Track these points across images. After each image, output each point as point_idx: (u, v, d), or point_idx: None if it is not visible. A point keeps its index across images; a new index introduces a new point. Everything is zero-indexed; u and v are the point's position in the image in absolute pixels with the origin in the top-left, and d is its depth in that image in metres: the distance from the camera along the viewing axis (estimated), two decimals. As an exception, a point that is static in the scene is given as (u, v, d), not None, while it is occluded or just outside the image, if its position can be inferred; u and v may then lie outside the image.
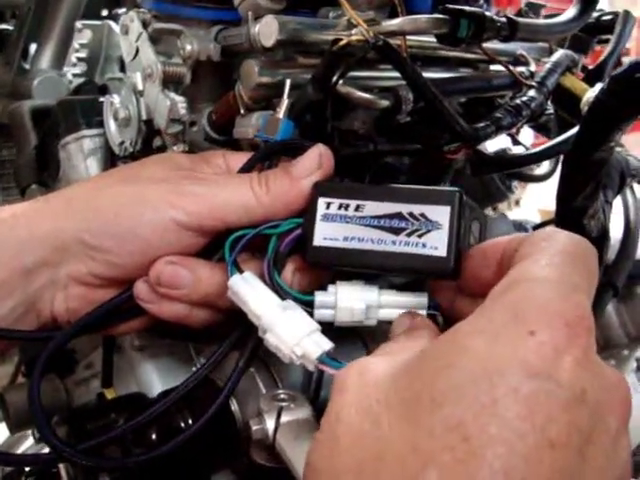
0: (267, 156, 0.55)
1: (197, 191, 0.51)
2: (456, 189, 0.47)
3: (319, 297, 0.48)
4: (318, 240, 0.48)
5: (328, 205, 0.48)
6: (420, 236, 0.46)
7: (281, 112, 0.55)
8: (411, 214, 0.46)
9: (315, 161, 0.52)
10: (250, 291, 0.47)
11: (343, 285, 0.49)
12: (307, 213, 0.49)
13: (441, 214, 0.46)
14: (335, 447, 0.35)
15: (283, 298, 0.48)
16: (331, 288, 0.49)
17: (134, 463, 0.51)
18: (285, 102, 0.55)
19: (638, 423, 0.82)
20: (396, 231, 0.46)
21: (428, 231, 0.46)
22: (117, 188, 0.53)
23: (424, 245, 0.46)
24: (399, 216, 0.46)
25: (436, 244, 0.45)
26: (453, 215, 0.46)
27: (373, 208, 0.47)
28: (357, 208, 0.48)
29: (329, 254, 0.48)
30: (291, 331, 0.45)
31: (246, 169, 0.54)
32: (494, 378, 0.32)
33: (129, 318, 0.56)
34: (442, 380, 0.33)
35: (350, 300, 0.48)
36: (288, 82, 0.55)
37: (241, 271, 0.49)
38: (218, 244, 0.52)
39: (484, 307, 0.36)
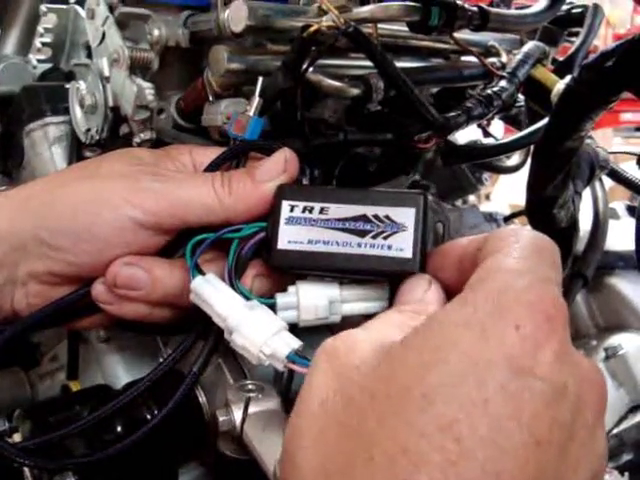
0: (234, 155, 0.54)
1: (156, 188, 0.50)
2: (420, 191, 0.47)
3: (280, 299, 0.47)
4: (282, 243, 0.47)
5: (292, 208, 0.48)
6: (385, 238, 0.46)
7: (251, 110, 0.54)
8: (376, 216, 0.46)
9: (280, 166, 0.51)
10: (214, 293, 0.46)
11: (303, 284, 0.48)
12: (271, 216, 0.49)
13: (406, 216, 0.46)
14: (321, 442, 0.34)
15: (247, 299, 0.47)
16: (291, 289, 0.48)
17: (76, 464, 0.50)
18: (256, 100, 0.54)
19: (607, 412, 0.82)
20: (361, 233, 0.46)
21: (393, 233, 0.45)
22: (75, 186, 0.51)
23: (390, 247, 0.45)
24: (364, 218, 0.46)
25: (401, 245, 0.45)
26: (418, 217, 0.45)
27: (338, 211, 0.47)
28: (321, 211, 0.47)
29: (294, 257, 0.47)
30: (258, 330, 0.44)
31: (212, 168, 0.53)
32: (483, 374, 0.32)
33: (90, 314, 0.54)
34: (433, 376, 0.33)
35: (312, 298, 0.47)
36: (260, 80, 0.54)
37: (203, 273, 0.48)
38: (178, 242, 0.51)
39: (465, 296, 0.36)
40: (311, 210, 0.47)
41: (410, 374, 0.34)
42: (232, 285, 0.47)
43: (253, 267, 0.50)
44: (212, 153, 0.54)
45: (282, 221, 0.47)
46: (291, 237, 0.47)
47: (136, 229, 0.49)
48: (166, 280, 0.51)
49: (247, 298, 0.47)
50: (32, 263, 0.51)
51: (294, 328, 0.46)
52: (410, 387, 0.33)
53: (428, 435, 0.31)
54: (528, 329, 0.33)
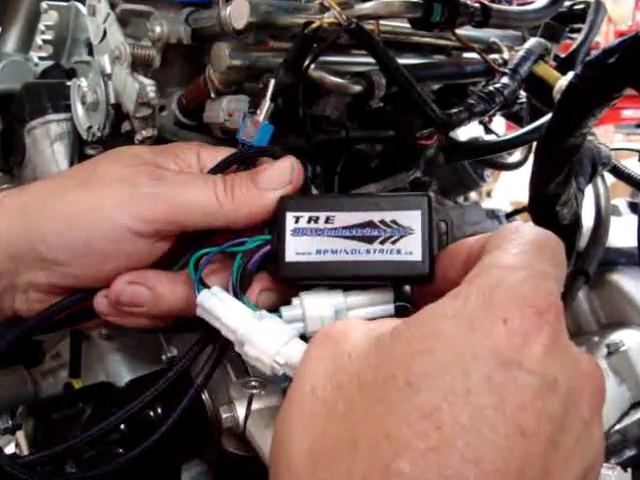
0: (241, 160, 0.53)
1: (154, 192, 0.49)
2: (424, 193, 0.47)
3: (286, 312, 0.46)
4: (290, 255, 0.47)
5: (297, 219, 0.47)
6: (394, 242, 0.45)
7: (261, 115, 0.53)
8: (382, 221, 0.46)
9: (286, 176, 0.50)
10: (221, 306, 0.46)
11: (307, 295, 0.47)
12: (275, 229, 0.48)
13: (412, 219, 0.45)
14: (310, 427, 0.35)
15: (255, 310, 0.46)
16: (295, 301, 0.47)
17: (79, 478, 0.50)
18: (267, 105, 0.53)
19: (609, 408, 0.83)
20: (369, 239, 0.46)
21: (401, 237, 0.45)
22: (72, 194, 0.50)
23: (399, 251, 0.45)
24: (371, 224, 0.46)
25: (410, 249, 0.45)
26: (424, 219, 0.45)
27: (343, 219, 0.46)
28: (327, 220, 0.47)
29: (303, 269, 0.47)
30: (270, 340, 0.43)
31: (218, 170, 0.52)
32: (468, 365, 0.32)
33: (91, 317, 0.54)
34: (418, 364, 0.33)
35: (317, 308, 0.46)
36: (272, 83, 0.53)
37: (207, 287, 0.47)
38: (179, 249, 0.51)
39: (459, 290, 0.36)
40: (316, 220, 0.47)
41: (397, 362, 0.34)
42: (238, 300, 0.47)
43: (258, 281, 0.49)
44: (220, 154, 0.53)
45: (288, 233, 0.47)
46: (298, 249, 0.47)
47: (134, 239, 0.49)
48: (169, 296, 0.50)
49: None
50: (31, 274, 0.50)
51: (303, 337, 0.46)
52: (396, 375, 0.33)
53: (411, 422, 0.31)
54: (517, 323, 0.33)
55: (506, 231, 0.39)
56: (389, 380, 0.33)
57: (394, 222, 0.46)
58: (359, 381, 0.34)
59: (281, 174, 0.50)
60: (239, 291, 0.47)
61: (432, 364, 0.33)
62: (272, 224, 0.49)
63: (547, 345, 0.33)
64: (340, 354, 0.37)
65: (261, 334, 0.43)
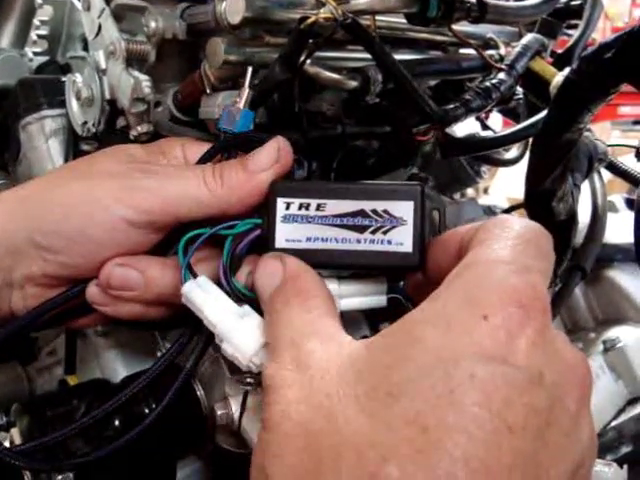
0: (225, 148, 0.53)
1: (149, 185, 0.49)
2: (417, 183, 0.47)
3: None
4: (280, 242, 0.46)
5: (288, 206, 0.47)
6: (385, 233, 0.45)
7: (241, 102, 0.53)
8: (374, 211, 0.45)
9: (273, 155, 0.50)
10: (205, 298, 0.45)
11: None
12: (266, 215, 0.47)
13: (404, 210, 0.45)
14: (287, 447, 0.34)
15: (239, 303, 0.46)
16: None
17: (73, 465, 0.50)
18: (246, 92, 0.53)
19: (605, 404, 0.83)
20: (360, 229, 0.45)
21: (393, 227, 0.45)
22: (68, 186, 0.51)
23: (389, 242, 0.45)
24: (362, 214, 0.46)
25: (401, 240, 0.45)
26: (416, 210, 0.45)
27: (335, 207, 0.46)
28: (318, 207, 0.46)
29: (292, 255, 0.46)
30: (248, 340, 0.43)
31: (203, 161, 0.53)
32: (449, 367, 0.32)
33: (87, 314, 0.54)
34: (397, 373, 0.33)
35: None
36: (250, 70, 0.54)
37: (195, 275, 0.47)
38: (173, 239, 0.51)
39: (438, 292, 0.36)
40: (307, 207, 0.46)
41: (375, 375, 0.34)
42: (228, 282, 0.47)
43: (248, 263, 0.49)
44: (203, 147, 0.54)
45: (278, 219, 0.47)
46: (288, 235, 0.46)
47: (129, 229, 0.49)
48: (159, 280, 0.50)
49: (243, 295, 0.46)
50: (27, 266, 0.50)
51: None
52: (376, 387, 0.33)
53: (395, 428, 0.31)
54: (498, 319, 0.33)
55: (492, 225, 0.39)
56: (369, 392, 0.33)
57: (386, 212, 0.45)
58: (339, 396, 0.34)
59: (268, 154, 0.50)
60: (229, 274, 0.47)
61: (411, 371, 0.33)
62: (263, 209, 0.48)
63: (532, 339, 0.33)
64: (310, 377, 0.36)
65: (240, 333, 0.43)
